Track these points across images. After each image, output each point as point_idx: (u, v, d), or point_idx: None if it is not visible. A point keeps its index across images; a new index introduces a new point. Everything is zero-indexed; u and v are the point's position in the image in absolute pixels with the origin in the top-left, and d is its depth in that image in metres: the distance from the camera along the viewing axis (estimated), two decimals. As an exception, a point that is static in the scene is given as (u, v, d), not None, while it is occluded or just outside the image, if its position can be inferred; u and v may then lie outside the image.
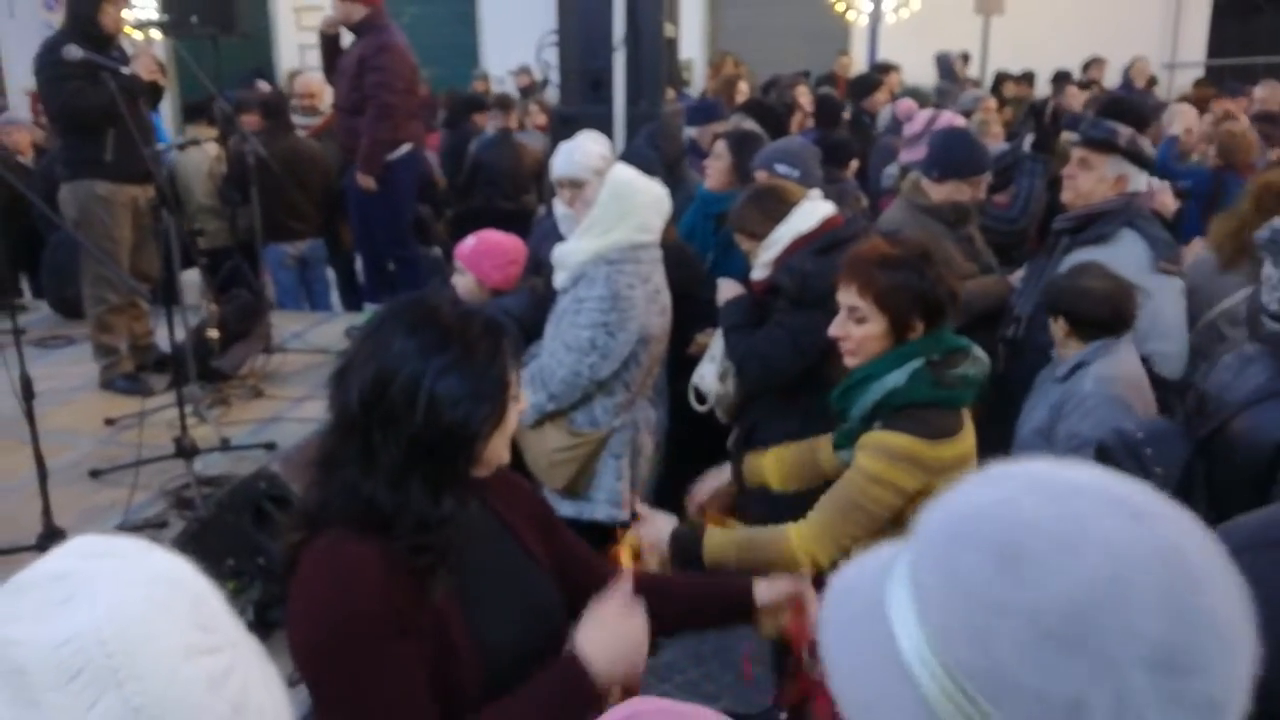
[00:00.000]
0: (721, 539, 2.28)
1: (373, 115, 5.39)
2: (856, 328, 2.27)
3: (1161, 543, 0.66)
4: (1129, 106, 5.48)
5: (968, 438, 2.28)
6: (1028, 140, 4.73)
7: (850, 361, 2.33)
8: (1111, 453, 2.62)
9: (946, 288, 2.26)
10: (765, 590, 1.90)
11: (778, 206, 3.16)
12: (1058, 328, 2.95)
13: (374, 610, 1.43)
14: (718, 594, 1.97)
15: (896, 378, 2.23)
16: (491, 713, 1.51)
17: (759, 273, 3.20)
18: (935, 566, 0.71)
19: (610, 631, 1.60)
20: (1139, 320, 3.17)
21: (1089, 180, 3.31)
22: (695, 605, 1.95)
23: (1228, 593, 0.66)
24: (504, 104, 7.93)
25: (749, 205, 3.22)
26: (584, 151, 3.59)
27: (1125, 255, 3.18)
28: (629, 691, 1.63)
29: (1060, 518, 0.67)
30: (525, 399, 1.66)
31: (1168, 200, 5.15)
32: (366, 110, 5.41)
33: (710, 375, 3.34)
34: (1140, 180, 3.34)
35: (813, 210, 3.15)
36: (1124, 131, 3.33)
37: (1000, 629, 0.65)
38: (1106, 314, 2.86)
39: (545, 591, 1.73)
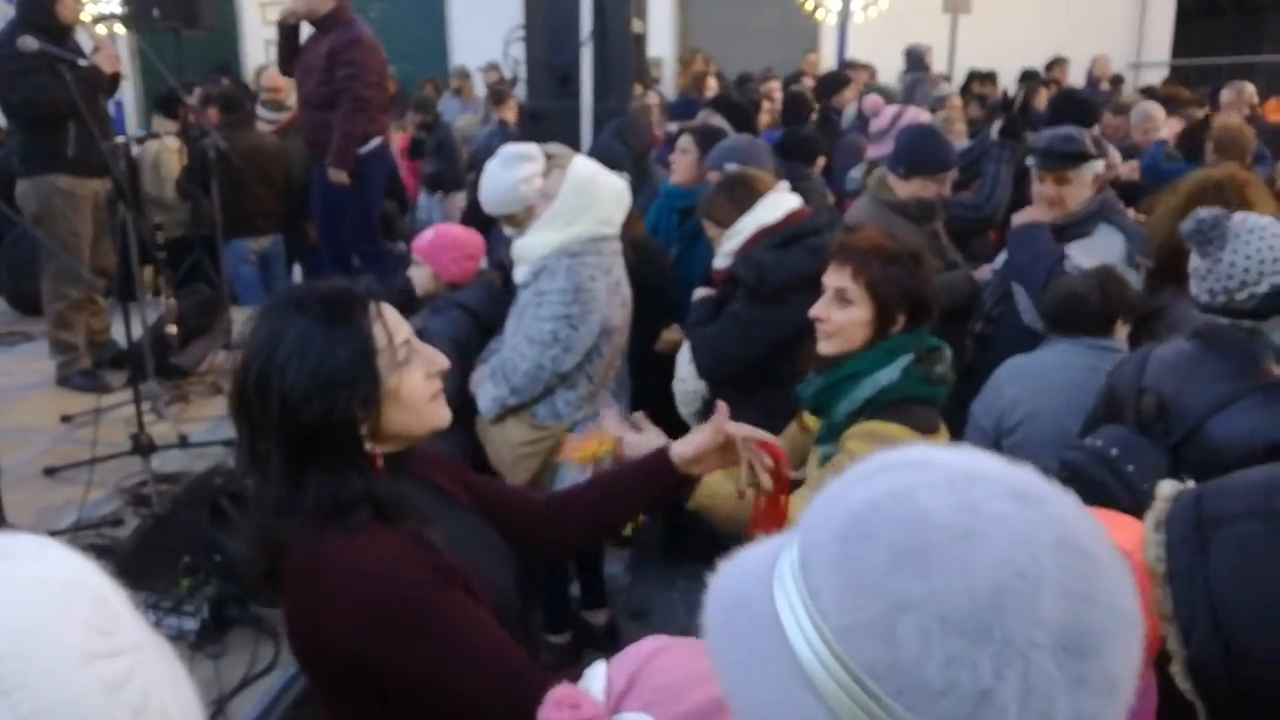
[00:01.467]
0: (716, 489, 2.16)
1: (346, 109, 5.32)
2: (840, 311, 2.24)
3: (1055, 527, 0.66)
4: (1078, 101, 5.54)
5: (944, 437, 2.27)
6: (995, 127, 4.73)
7: (825, 346, 2.29)
8: (1090, 473, 2.56)
9: (932, 290, 2.26)
10: (682, 445, 1.86)
11: (746, 196, 3.18)
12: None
13: (423, 573, 1.42)
14: (637, 467, 1.94)
15: (889, 373, 2.20)
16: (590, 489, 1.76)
17: (721, 261, 3.21)
18: (831, 566, 0.68)
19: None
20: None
21: (1075, 196, 3.35)
22: (620, 486, 1.92)
23: (1118, 571, 0.67)
24: (499, 97, 8.06)
25: (719, 193, 3.25)
26: (499, 185, 3.34)
27: (1105, 248, 3.22)
28: None
29: (956, 508, 0.66)
30: (438, 369, 1.57)
31: (1130, 170, 5.22)
32: (339, 104, 5.33)
33: (690, 378, 3.35)
34: (1101, 166, 3.41)
35: (778, 202, 3.17)
36: (1084, 135, 3.40)
37: (904, 624, 0.63)
38: (1076, 312, 2.85)
39: (498, 542, 1.74)
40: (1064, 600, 0.63)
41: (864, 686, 0.64)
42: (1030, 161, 3.52)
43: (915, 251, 2.27)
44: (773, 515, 1.87)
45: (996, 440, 2.93)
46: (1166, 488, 1.21)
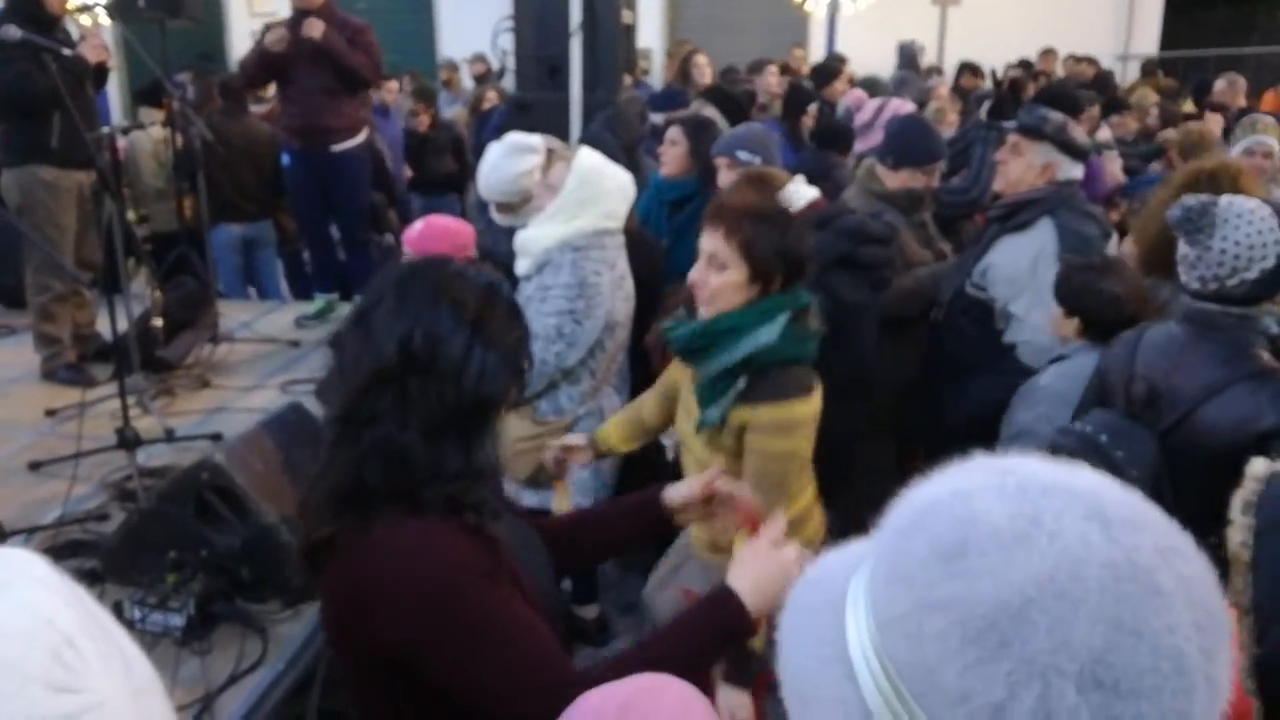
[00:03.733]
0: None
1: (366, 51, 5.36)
2: (716, 275, 2.25)
3: (1124, 553, 0.60)
4: (1063, 93, 5.53)
5: (819, 390, 2.35)
6: (984, 109, 4.72)
7: (705, 310, 2.32)
8: (1077, 458, 2.56)
9: (807, 248, 2.30)
10: (675, 491, 1.90)
11: (768, 190, 3.18)
12: (1067, 325, 2.86)
13: (478, 564, 1.46)
14: (628, 507, 1.97)
15: (769, 332, 2.23)
16: (655, 641, 1.61)
17: None
18: (884, 556, 0.68)
19: (761, 567, 1.63)
20: (1019, 306, 3.18)
21: (1018, 167, 3.32)
22: (610, 524, 1.96)
23: (1198, 622, 0.60)
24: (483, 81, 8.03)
25: (744, 189, 3.23)
26: (502, 174, 3.38)
27: (1035, 243, 3.19)
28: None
29: (1014, 515, 0.63)
30: None
31: (1116, 170, 5.17)
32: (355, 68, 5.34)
33: None
34: (1072, 169, 3.32)
35: (798, 194, 3.18)
36: (1053, 119, 3.33)
37: (930, 623, 0.62)
38: (1112, 316, 2.77)
39: (541, 544, 1.81)
40: (1104, 629, 0.58)
41: (892, 682, 0.63)
42: (1007, 125, 3.53)
43: (786, 210, 2.33)
44: None
45: None
46: (1259, 466, 1.15)
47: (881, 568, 0.68)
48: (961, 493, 0.66)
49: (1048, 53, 10.91)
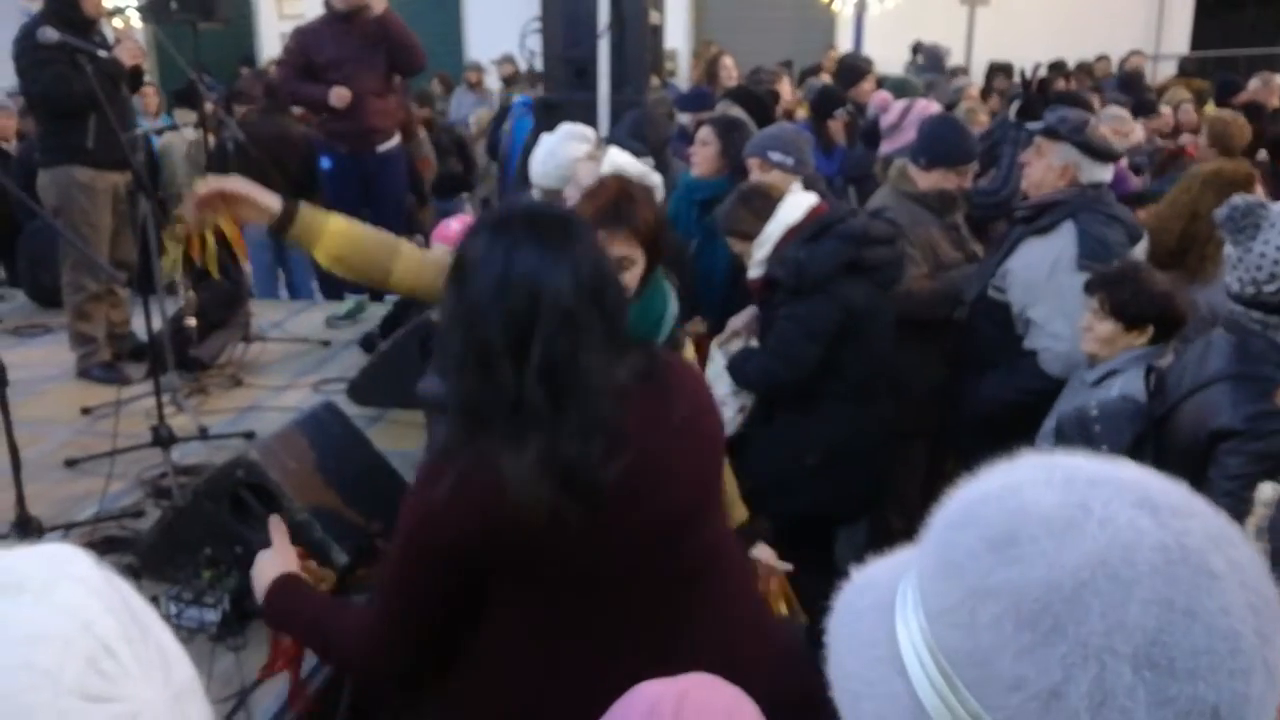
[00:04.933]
0: None
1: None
2: (629, 275, 2.25)
3: (1175, 537, 0.61)
4: (1074, 101, 5.47)
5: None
6: (1013, 108, 4.69)
7: None
8: (1065, 429, 2.62)
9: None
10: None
11: (765, 204, 3.22)
12: (1104, 327, 2.75)
13: (451, 538, 1.51)
14: None
15: (673, 307, 2.47)
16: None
17: (755, 271, 3.23)
18: (934, 551, 0.69)
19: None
20: (1037, 312, 3.15)
21: (1039, 168, 3.30)
22: None
23: (1252, 604, 0.60)
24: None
25: (738, 208, 3.27)
26: (558, 160, 3.44)
27: (1051, 249, 3.17)
28: None
29: (1064, 505, 0.63)
30: None
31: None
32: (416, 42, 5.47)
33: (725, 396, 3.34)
34: (1096, 171, 3.27)
35: (798, 202, 3.20)
36: (1071, 119, 3.31)
37: (983, 611, 0.62)
38: (1178, 313, 2.72)
39: None
40: (1157, 610, 0.58)
41: (944, 674, 0.63)
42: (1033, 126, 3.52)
43: (648, 188, 2.43)
44: None
45: None
46: (1267, 492, 1.14)
47: (931, 562, 0.68)
48: (1010, 486, 0.67)
49: (1101, 59, 10.81)
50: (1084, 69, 10.31)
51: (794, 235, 3.15)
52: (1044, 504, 0.64)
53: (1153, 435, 2.38)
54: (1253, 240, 2.23)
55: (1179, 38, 13.19)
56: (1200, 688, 0.58)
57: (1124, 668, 0.58)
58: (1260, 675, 0.60)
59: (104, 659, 0.66)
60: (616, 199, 2.26)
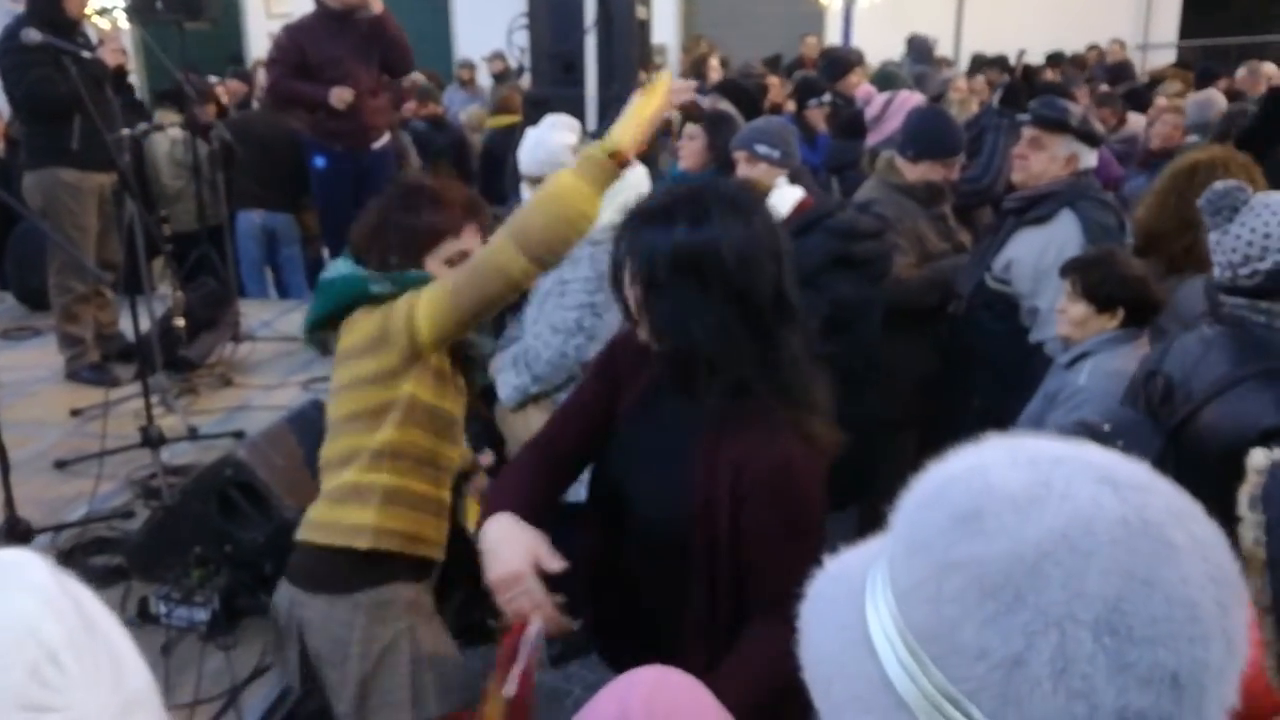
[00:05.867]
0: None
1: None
2: None
3: (1134, 511, 0.62)
4: (1059, 92, 5.47)
5: None
6: (996, 96, 4.69)
7: None
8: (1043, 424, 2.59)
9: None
10: None
11: None
12: (1076, 309, 2.78)
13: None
14: None
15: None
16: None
17: None
18: (903, 531, 0.70)
19: None
20: (1044, 301, 3.15)
21: (1040, 160, 3.29)
22: None
23: (1211, 576, 0.62)
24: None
25: None
26: (547, 148, 3.47)
27: (1057, 237, 3.17)
28: None
29: (1029, 483, 0.64)
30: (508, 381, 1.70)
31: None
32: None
33: None
34: (1090, 157, 3.31)
35: (783, 196, 3.19)
36: (1075, 110, 3.31)
37: (948, 585, 0.63)
38: (1150, 297, 2.73)
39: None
40: (1117, 579, 0.60)
41: (912, 650, 0.64)
42: (1022, 118, 3.49)
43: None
44: None
45: None
46: (1259, 458, 1.13)
47: (900, 543, 0.70)
48: (977, 466, 0.69)
49: (1092, 48, 10.81)
50: (1076, 60, 10.33)
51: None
52: (1009, 482, 0.65)
53: (1171, 446, 2.34)
54: (1229, 223, 2.23)
55: (1167, 27, 13.21)
56: (1160, 653, 0.59)
57: (1084, 634, 0.59)
58: (1219, 644, 0.61)
59: (47, 667, 0.65)
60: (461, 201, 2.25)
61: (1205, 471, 2.16)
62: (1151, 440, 2.32)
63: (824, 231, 3.11)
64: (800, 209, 3.17)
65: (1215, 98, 6.30)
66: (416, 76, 7.86)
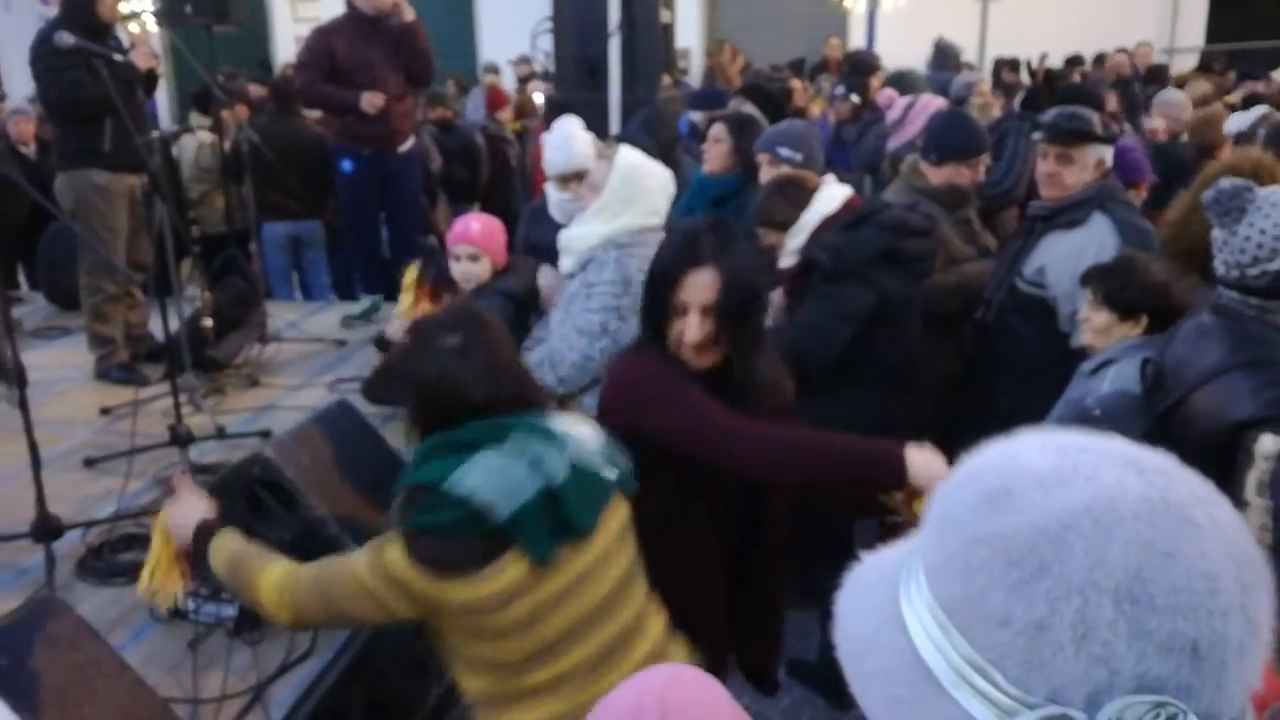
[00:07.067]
0: (227, 544, 2.10)
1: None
2: None
3: (1157, 493, 0.65)
4: (1083, 94, 5.44)
5: (508, 570, 1.79)
6: (1018, 100, 4.69)
7: None
8: (1065, 424, 2.59)
9: None
10: (917, 455, 2.07)
11: (800, 194, 3.22)
12: (1099, 317, 2.75)
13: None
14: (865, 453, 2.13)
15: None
16: (820, 437, 2.13)
17: (787, 260, 3.23)
18: (934, 514, 0.73)
19: (937, 465, 2.02)
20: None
21: (1073, 174, 3.27)
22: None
23: (1232, 555, 0.64)
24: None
25: (774, 197, 3.26)
26: (581, 141, 3.54)
27: (1094, 240, 3.16)
28: None
29: (1056, 465, 0.67)
30: None
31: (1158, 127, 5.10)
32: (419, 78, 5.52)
33: None
34: (1110, 154, 3.33)
35: (833, 194, 3.21)
36: (1096, 118, 3.32)
37: (975, 557, 0.66)
38: (1174, 304, 2.67)
39: None
40: (1138, 550, 0.62)
41: (940, 624, 0.67)
42: (1036, 136, 3.48)
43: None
44: None
45: None
46: (1268, 444, 1.13)
47: (932, 524, 0.73)
48: (1008, 453, 0.72)
49: (1120, 52, 10.69)
50: (1100, 63, 10.26)
51: (829, 225, 3.15)
52: (1038, 465, 0.68)
53: (1158, 430, 2.36)
54: (1238, 224, 2.22)
55: (1194, 31, 13.12)
56: (1179, 622, 0.61)
57: (1105, 601, 0.61)
58: (1239, 620, 0.63)
59: None
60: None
61: (1188, 456, 2.18)
62: (1135, 423, 2.35)
63: (875, 226, 3.12)
64: (849, 206, 3.19)
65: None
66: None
